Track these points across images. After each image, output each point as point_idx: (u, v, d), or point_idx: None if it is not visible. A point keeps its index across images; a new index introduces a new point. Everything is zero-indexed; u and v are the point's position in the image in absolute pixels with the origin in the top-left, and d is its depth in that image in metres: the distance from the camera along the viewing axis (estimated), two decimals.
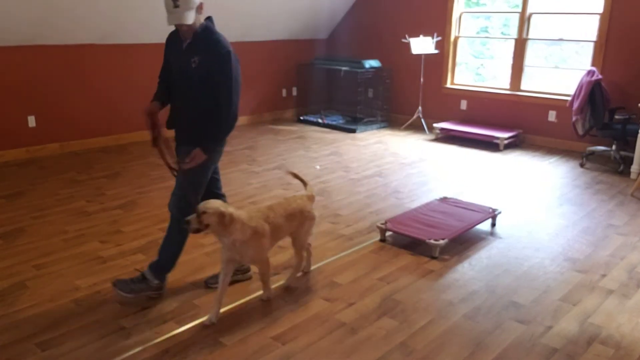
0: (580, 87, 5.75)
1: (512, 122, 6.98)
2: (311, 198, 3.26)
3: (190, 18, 2.74)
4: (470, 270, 3.48)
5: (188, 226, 2.66)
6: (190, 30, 2.83)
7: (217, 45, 2.81)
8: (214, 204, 2.72)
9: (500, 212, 4.23)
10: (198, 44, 2.84)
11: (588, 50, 6.43)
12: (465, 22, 7.43)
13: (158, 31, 6.48)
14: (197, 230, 2.67)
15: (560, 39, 6.74)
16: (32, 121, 5.92)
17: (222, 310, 2.94)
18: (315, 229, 4.07)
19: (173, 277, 3.31)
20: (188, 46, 2.87)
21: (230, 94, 2.83)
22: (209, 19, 2.94)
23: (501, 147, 6.54)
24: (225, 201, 3.24)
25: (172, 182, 5.09)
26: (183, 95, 2.96)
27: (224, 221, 2.68)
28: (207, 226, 2.67)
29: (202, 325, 2.80)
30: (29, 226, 4.06)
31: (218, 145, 3.00)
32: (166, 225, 4.09)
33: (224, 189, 4.86)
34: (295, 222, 3.09)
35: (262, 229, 2.87)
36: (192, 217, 2.66)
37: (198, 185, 3.01)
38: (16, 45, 5.64)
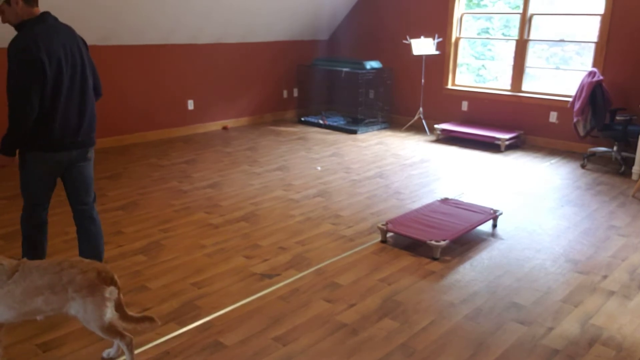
0: (581, 88, 5.75)
1: (513, 123, 6.98)
2: (102, 274, 2.30)
3: None
4: (472, 271, 3.48)
5: None
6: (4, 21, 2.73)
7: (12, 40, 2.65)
8: None
9: (501, 213, 4.22)
10: None
11: (589, 51, 6.43)
12: (466, 23, 7.43)
13: (158, 32, 6.49)
14: None
15: (562, 40, 6.74)
16: None
17: (223, 311, 2.95)
18: (316, 230, 4.09)
19: (174, 278, 3.32)
20: None
21: (8, 91, 2.64)
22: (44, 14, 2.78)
23: (502, 148, 6.54)
24: (85, 216, 3.10)
25: (173, 183, 5.12)
26: None
27: None
28: None
29: (199, 328, 2.81)
30: None
31: (11, 148, 2.74)
32: (168, 226, 4.13)
33: (226, 190, 4.87)
34: (56, 298, 2.28)
35: None
36: None
37: (24, 192, 2.95)
38: None
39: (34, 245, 3.05)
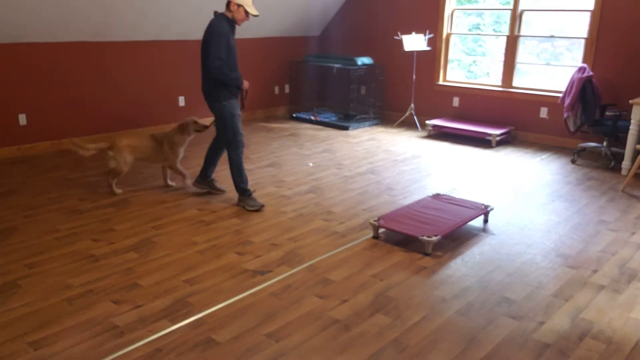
0: (571, 84, 5.77)
1: (504, 118, 7.01)
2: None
3: None
4: (463, 266, 3.49)
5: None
6: None
7: None
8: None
9: (492, 209, 4.24)
10: None
11: (579, 47, 6.46)
12: (457, 19, 7.44)
13: (150, 29, 6.46)
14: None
15: (552, 36, 6.76)
16: (22, 119, 5.88)
17: (215, 308, 2.95)
18: (308, 227, 4.10)
19: (166, 275, 3.31)
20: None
21: None
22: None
23: (493, 144, 6.56)
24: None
25: (162, 182, 5.11)
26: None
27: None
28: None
29: (191, 325, 2.80)
30: (20, 225, 4.04)
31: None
32: (159, 223, 4.12)
33: (220, 185, 4.81)
34: None
35: None
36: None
37: None
38: (5, 43, 5.60)
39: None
